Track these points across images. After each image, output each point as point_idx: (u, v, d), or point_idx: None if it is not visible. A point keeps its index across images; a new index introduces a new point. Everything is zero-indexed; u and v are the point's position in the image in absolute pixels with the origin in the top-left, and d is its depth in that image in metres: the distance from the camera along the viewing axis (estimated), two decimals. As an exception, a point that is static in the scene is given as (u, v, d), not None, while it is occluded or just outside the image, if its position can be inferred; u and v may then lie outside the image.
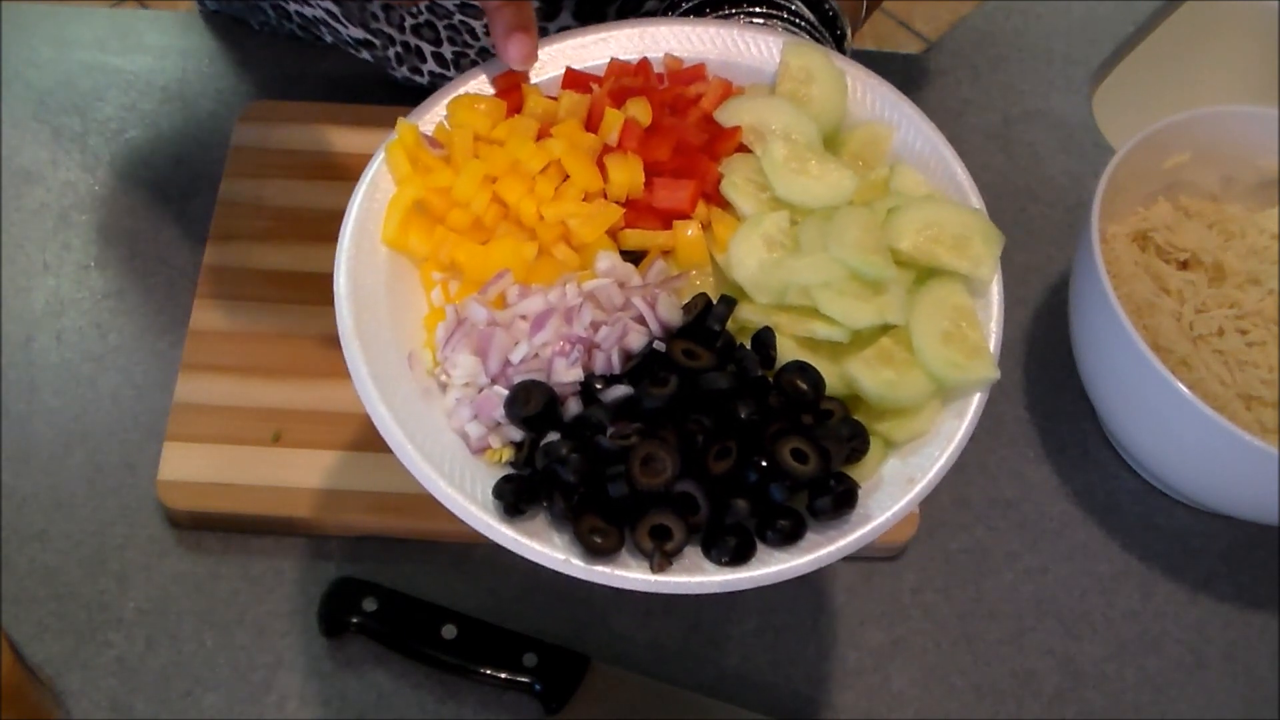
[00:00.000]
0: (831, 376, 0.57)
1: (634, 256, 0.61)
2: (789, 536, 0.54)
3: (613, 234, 0.61)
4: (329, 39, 0.92)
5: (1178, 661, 0.74)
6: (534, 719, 0.69)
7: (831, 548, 0.54)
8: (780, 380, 0.56)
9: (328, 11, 0.87)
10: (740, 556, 0.54)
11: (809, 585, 0.74)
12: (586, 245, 0.60)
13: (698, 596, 0.73)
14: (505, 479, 0.54)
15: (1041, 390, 0.83)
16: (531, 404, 0.55)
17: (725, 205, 0.62)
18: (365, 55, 0.90)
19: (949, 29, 1.02)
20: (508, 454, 0.56)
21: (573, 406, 0.56)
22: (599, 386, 0.56)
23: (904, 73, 0.98)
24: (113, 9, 0.96)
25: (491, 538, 0.53)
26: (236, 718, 0.68)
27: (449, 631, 0.68)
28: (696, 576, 0.53)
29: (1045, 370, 0.84)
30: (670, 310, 0.58)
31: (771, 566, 0.54)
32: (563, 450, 0.53)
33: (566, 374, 0.56)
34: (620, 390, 0.55)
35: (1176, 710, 0.73)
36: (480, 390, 0.57)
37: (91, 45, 0.91)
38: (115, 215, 0.84)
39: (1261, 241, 0.79)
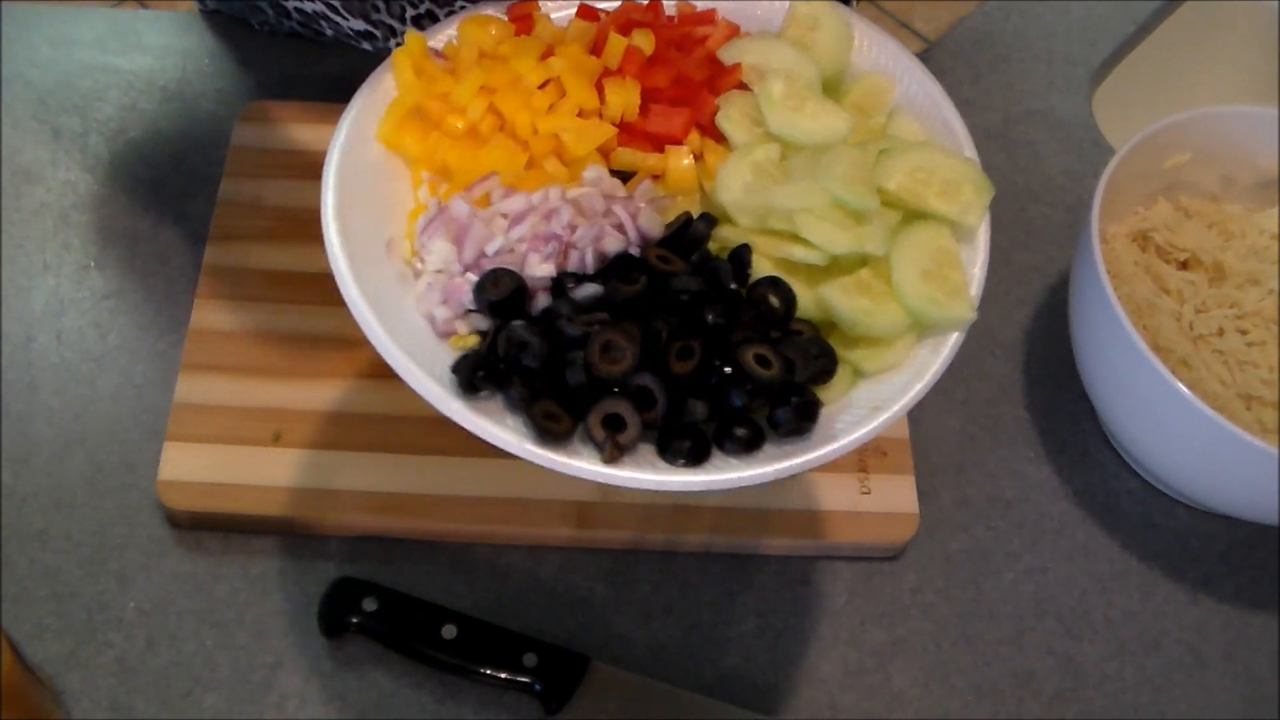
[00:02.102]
0: (806, 300, 0.58)
1: (624, 178, 0.62)
2: (746, 445, 0.54)
3: (605, 154, 0.62)
4: (329, 33, 0.92)
5: (1178, 661, 0.74)
6: (534, 719, 0.69)
7: (789, 462, 0.53)
8: (752, 293, 0.56)
9: (327, 4, 0.87)
10: (695, 458, 0.53)
11: (809, 585, 0.74)
12: (577, 160, 0.61)
13: (699, 597, 0.73)
14: (464, 357, 0.55)
15: (1041, 390, 0.83)
16: (499, 288, 0.55)
17: (720, 139, 0.64)
18: (366, 46, 0.90)
19: (949, 29, 1.02)
20: (472, 341, 0.57)
21: (541, 301, 0.57)
22: (570, 284, 0.56)
23: (904, 73, 0.98)
24: (113, 9, 0.96)
25: (445, 414, 0.54)
26: (236, 718, 0.68)
27: (449, 631, 0.68)
28: (647, 474, 0.53)
29: (1045, 370, 0.84)
30: (651, 222, 0.59)
31: (727, 474, 0.53)
32: (525, 335, 0.54)
33: (539, 268, 0.57)
34: (590, 288, 0.56)
35: (1176, 710, 0.73)
36: (452, 278, 0.58)
37: (91, 45, 0.91)
38: (115, 215, 0.84)
39: (1261, 241, 0.79)
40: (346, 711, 0.68)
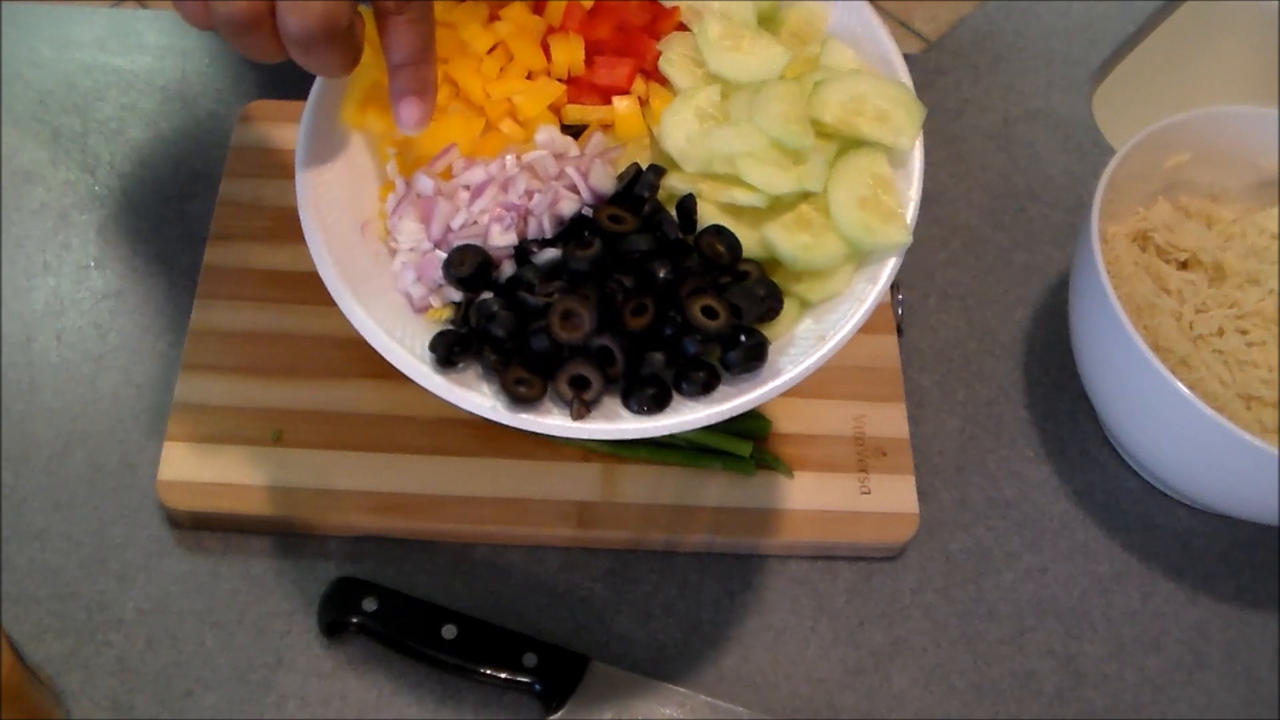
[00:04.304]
0: (751, 241, 0.61)
1: (578, 132, 0.65)
2: (704, 388, 0.58)
3: (556, 110, 0.65)
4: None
5: (1178, 661, 0.74)
6: (534, 719, 0.69)
7: (744, 398, 0.58)
8: (699, 242, 0.60)
9: None
10: (657, 405, 0.57)
11: (809, 585, 0.74)
12: (530, 120, 0.64)
13: (699, 597, 0.73)
14: (440, 334, 0.59)
15: (1041, 390, 0.83)
16: (466, 265, 0.59)
17: (665, 83, 0.66)
18: None
19: (949, 29, 1.02)
20: (447, 313, 0.61)
21: (507, 269, 0.61)
22: (533, 250, 0.60)
23: (904, 73, 0.98)
24: (113, 9, 0.96)
25: (426, 386, 0.58)
26: (236, 718, 0.68)
27: (449, 631, 0.68)
28: (615, 424, 0.57)
29: (1045, 370, 0.84)
30: (602, 178, 0.62)
31: (686, 415, 0.57)
32: (493, 308, 0.58)
33: (501, 238, 0.61)
34: (550, 253, 0.60)
35: (1176, 710, 0.73)
36: (424, 255, 0.62)
37: (91, 45, 0.91)
38: (115, 215, 0.84)
39: (1261, 241, 0.79)
40: (346, 711, 0.68)
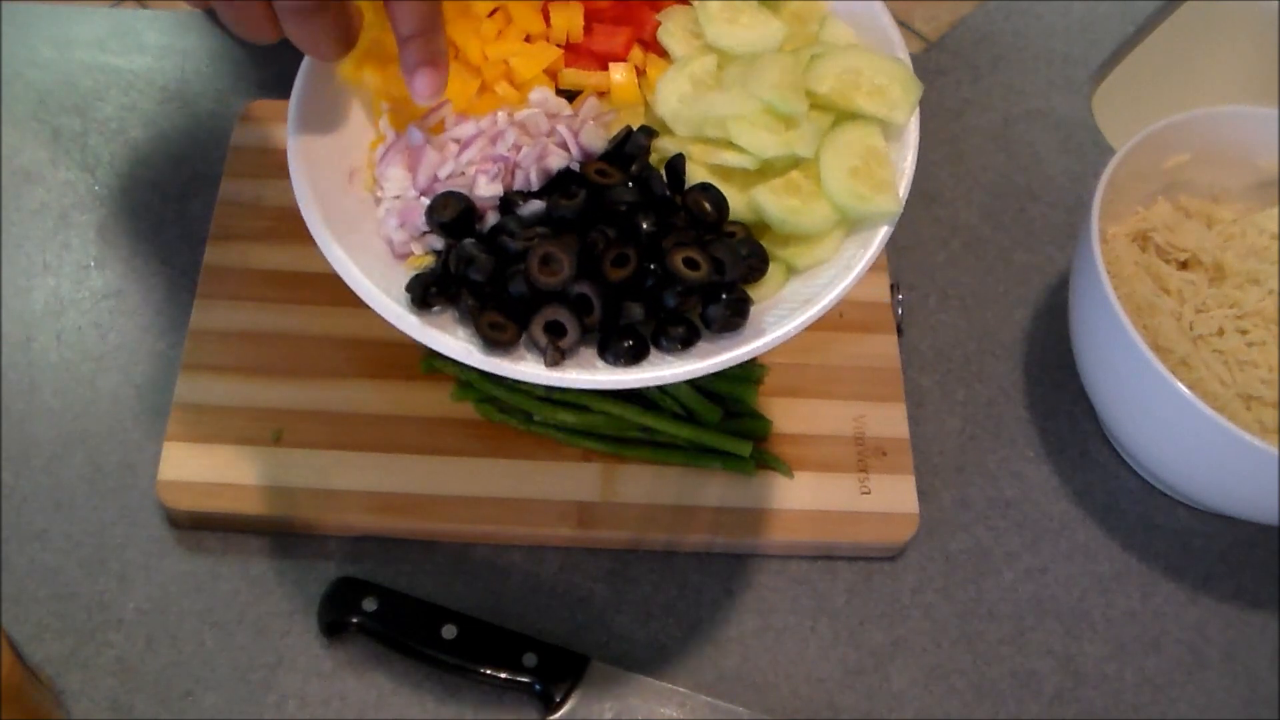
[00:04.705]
0: (739, 204, 0.61)
1: (571, 98, 0.65)
2: (682, 343, 0.57)
3: (552, 74, 0.65)
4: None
5: (1178, 661, 0.74)
6: (534, 719, 0.69)
7: (722, 356, 0.57)
8: (686, 199, 0.60)
9: None
10: (633, 357, 0.57)
11: (809, 585, 0.74)
12: (526, 83, 0.65)
13: (699, 597, 0.73)
14: (417, 276, 0.58)
15: (1041, 390, 0.83)
16: (449, 210, 0.59)
17: (662, 54, 0.66)
18: None
19: (949, 29, 1.02)
20: (429, 261, 0.61)
21: (491, 220, 0.61)
22: (518, 202, 0.60)
23: (904, 73, 0.98)
24: (113, 9, 0.96)
25: (400, 327, 0.57)
26: (236, 718, 0.68)
27: (449, 631, 0.68)
28: (590, 374, 0.56)
29: (1045, 370, 0.84)
30: (593, 138, 0.63)
31: (663, 369, 0.57)
32: (472, 252, 0.58)
33: (487, 189, 0.61)
34: (535, 205, 0.60)
35: (1176, 710, 0.73)
36: (408, 202, 0.62)
37: (91, 45, 0.91)
38: (115, 215, 0.84)
39: (1261, 241, 0.79)
40: (346, 711, 0.68)
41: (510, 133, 0.62)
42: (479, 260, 0.58)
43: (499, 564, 0.73)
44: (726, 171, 0.62)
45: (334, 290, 0.78)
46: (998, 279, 0.88)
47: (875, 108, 0.62)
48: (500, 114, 0.63)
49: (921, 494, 0.77)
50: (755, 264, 0.59)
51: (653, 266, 0.58)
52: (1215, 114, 0.81)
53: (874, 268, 0.84)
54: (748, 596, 0.74)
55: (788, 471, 0.75)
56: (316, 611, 0.70)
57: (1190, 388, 0.69)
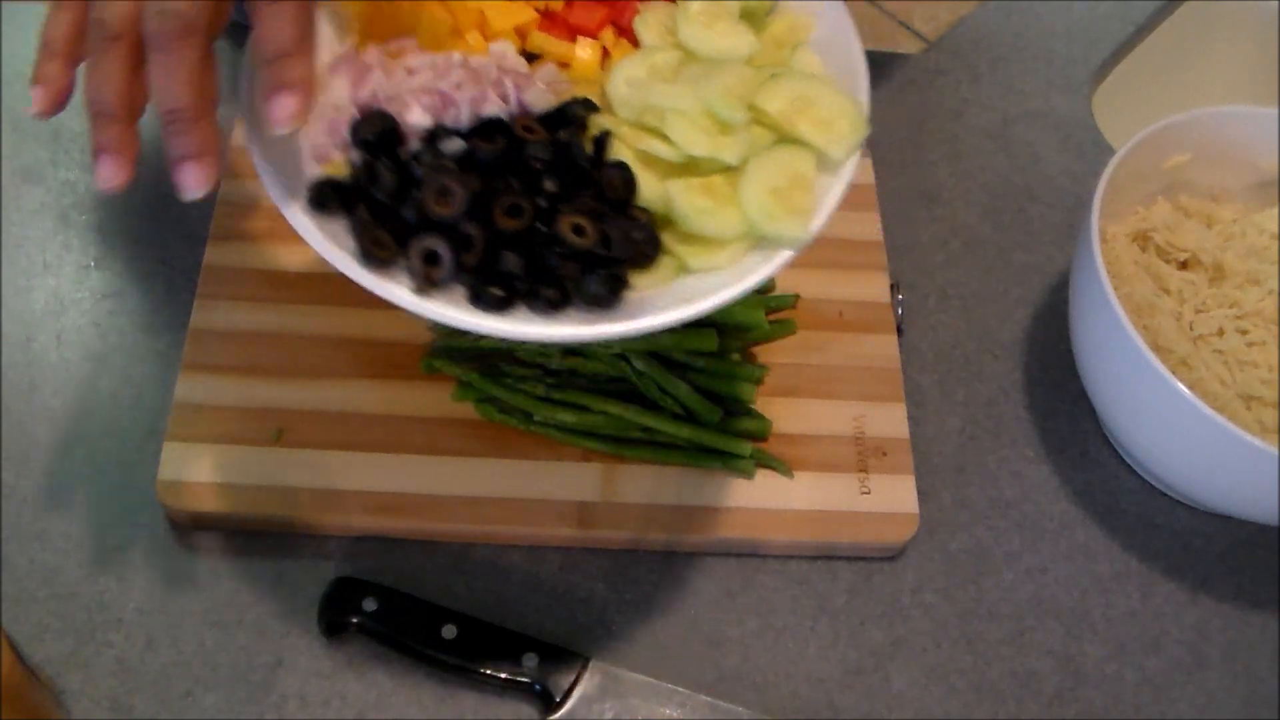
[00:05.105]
0: (654, 193, 0.61)
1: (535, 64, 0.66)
2: (551, 305, 0.58)
3: (522, 35, 0.66)
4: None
5: (1178, 661, 0.74)
6: (533, 719, 0.69)
7: (584, 329, 0.57)
8: (600, 174, 0.61)
9: None
10: (499, 307, 0.57)
11: (809, 585, 0.74)
12: (496, 35, 0.66)
13: (699, 597, 0.73)
14: (322, 180, 0.59)
15: (1041, 390, 0.83)
16: (372, 127, 0.60)
17: (635, 42, 0.67)
18: None
19: (949, 29, 1.02)
20: (342, 170, 0.61)
21: (414, 148, 0.61)
22: (442, 136, 0.61)
23: (904, 73, 0.98)
24: (113, 9, 0.96)
25: (290, 222, 0.58)
26: (236, 718, 0.68)
27: (449, 631, 0.68)
28: (452, 311, 0.57)
29: (1045, 370, 0.84)
30: (537, 97, 0.63)
31: (522, 326, 0.57)
32: (380, 169, 0.59)
33: (417, 116, 0.62)
34: (456, 143, 0.61)
35: (1176, 710, 0.73)
36: (341, 111, 0.62)
37: (91, 45, 0.91)
38: (115, 215, 0.84)
39: (1261, 241, 0.79)
40: (346, 711, 0.68)
41: (457, 72, 0.63)
42: (383, 179, 0.59)
43: (499, 564, 0.73)
44: (651, 160, 0.62)
45: (334, 290, 0.79)
46: (998, 279, 0.88)
47: (815, 137, 0.62)
48: (456, 54, 0.64)
49: (921, 494, 0.77)
50: (645, 249, 0.60)
51: (545, 228, 0.59)
52: (1215, 114, 0.81)
53: (874, 267, 0.84)
54: (748, 596, 0.74)
55: (787, 471, 0.75)
56: (316, 611, 0.70)
57: (1190, 388, 0.69)
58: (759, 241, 0.61)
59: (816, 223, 0.60)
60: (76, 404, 0.76)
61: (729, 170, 0.62)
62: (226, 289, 0.79)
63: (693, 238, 0.61)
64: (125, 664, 0.69)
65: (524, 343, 0.60)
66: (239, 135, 0.85)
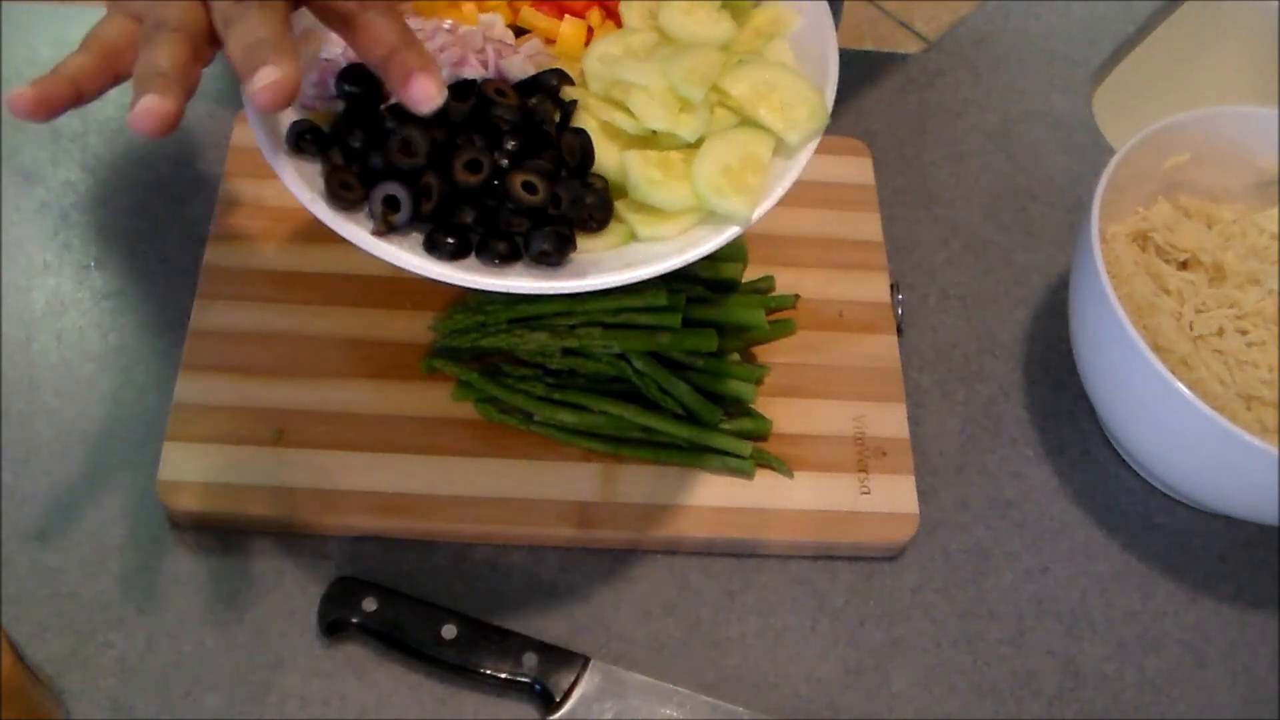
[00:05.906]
0: (612, 162, 0.64)
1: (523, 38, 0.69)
2: (500, 258, 0.61)
3: (515, 9, 0.69)
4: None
5: (1178, 661, 0.74)
6: (534, 719, 0.69)
7: (530, 283, 0.60)
8: (560, 139, 0.63)
9: None
10: (451, 255, 0.61)
11: (809, 585, 0.74)
12: (488, 9, 0.68)
13: (699, 597, 0.73)
14: (299, 122, 0.63)
15: (1041, 390, 0.83)
16: (353, 79, 0.63)
17: (620, 25, 0.69)
18: None
19: (949, 29, 1.02)
20: (325, 119, 0.64)
21: (392, 100, 0.64)
22: None
23: (904, 73, 0.98)
24: (113, 9, 0.96)
25: (269, 161, 0.61)
26: (236, 718, 0.68)
27: (449, 631, 0.68)
28: (407, 255, 0.60)
29: (1045, 370, 0.84)
30: (514, 67, 0.67)
31: (471, 274, 0.60)
32: (355, 119, 0.63)
33: None
34: None
35: (1176, 710, 0.73)
36: (332, 63, 0.66)
37: (91, 45, 0.91)
38: (115, 215, 0.84)
39: (1261, 241, 0.79)
40: (346, 711, 0.68)
41: (443, 36, 0.66)
42: (356, 127, 0.62)
43: (499, 564, 0.73)
44: (613, 130, 0.65)
45: (334, 290, 0.79)
46: (998, 279, 0.88)
47: (773, 122, 0.64)
48: (446, 21, 0.67)
49: (921, 494, 0.77)
50: (595, 214, 0.62)
51: (496, 182, 0.62)
52: (1215, 114, 0.81)
53: (874, 268, 0.84)
54: (748, 596, 0.74)
55: (788, 471, 0.75)
56: (316, 611, 0.70)
57: (1190, 388, 0.69)
58: (708, 216, 0.63)
59: (766, 203, 0.63)
60: (77, 404, 0.76)
61: (689, 148, 0.64)
62: (226, 289, 0.79)
63: (644, 207, 0.63)
64: (125, 664, 0.69)
65: (478, 291, 0.62)
66: (239, 135, 0.85)
